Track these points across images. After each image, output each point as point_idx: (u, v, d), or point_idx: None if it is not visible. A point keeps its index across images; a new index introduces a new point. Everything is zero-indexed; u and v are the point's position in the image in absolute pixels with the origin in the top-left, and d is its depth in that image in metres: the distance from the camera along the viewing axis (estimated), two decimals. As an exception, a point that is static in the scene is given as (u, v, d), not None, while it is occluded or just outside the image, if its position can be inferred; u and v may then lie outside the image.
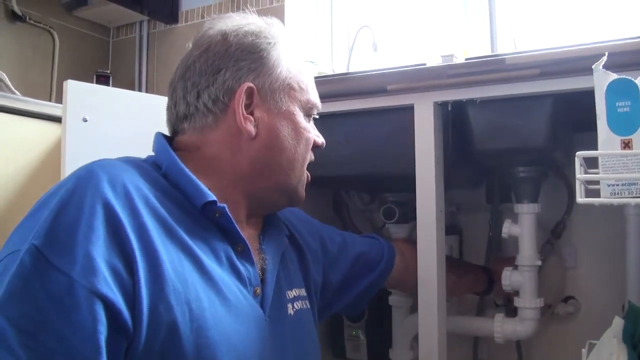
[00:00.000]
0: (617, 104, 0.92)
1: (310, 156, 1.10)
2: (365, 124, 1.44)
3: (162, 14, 2.84)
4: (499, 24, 2.01)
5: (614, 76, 0.94)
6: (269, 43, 1.04)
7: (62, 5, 2.81)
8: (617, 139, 0.92)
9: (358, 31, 2.38)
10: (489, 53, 1.96)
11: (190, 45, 1.07)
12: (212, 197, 0.93)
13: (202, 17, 2.73)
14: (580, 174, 0.94)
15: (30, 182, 1.70)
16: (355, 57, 2.39)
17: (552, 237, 1.71)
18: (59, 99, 1.48)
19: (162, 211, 0.87)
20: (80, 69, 2.82)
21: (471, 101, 1.30)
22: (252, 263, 0.98)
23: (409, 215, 1.56)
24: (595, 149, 0.94)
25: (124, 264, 0.77)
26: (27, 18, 2.60)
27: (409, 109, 1.34)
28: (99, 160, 0.90)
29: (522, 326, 1.47)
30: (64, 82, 1.38)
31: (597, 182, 0.95)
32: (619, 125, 0.92)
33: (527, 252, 1.48)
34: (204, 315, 0.84)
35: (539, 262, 1.48)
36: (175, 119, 1.04)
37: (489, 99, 1.28)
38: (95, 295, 0.73)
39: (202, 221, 0.93)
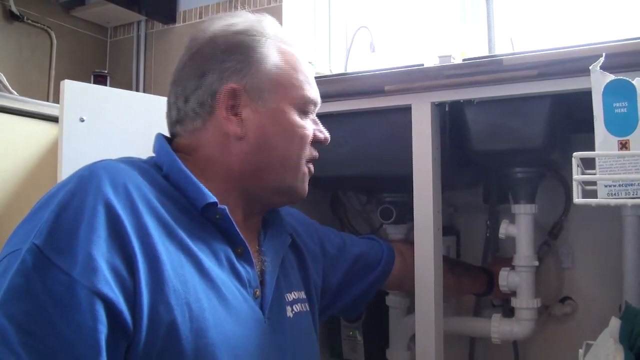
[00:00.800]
0: (614, 104, 0.93)
1: (311, 152, 1.08)
2: (362, 124, 1.44)
3: (160, 14, 2.84)
4: (496, 24, 2.01)
5: (611, 77, 0.94)
6: (257, 40, 1.03)
7: (60, 5, 2.81)
8: (615, 140, 0.92)
9: (356, 31, 2.38)
10: (487, 54, 1.95)
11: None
12: (213, 198, 0.93)
13: (200, 17, 2.73)
14: (577, 175, 0.94)
15: (27, 182, 1.70)
16: (353, 58, 2.39)
17: (549, 237, 1.71)
18: (57, 99, 1.48)
19: (163, 212, 0.87)
20: (78, 68, 2.82)
21: (469, 102, 1.31)
22: (251, 265, 0.98)
23: (406, 215, 1.56)
24: (593, 149, 0.94)
25: (124, 264, 0.78)
26: (25, 18, 2.60)
27: (407, 110, 1.34)
28: (100, 161, 0.90)
29: (519, 327, 1.47)
30: (61, 82, 1.38)
31: (594, 183, 0.96)
32: (616, 126, 0.92)
33: (524, 253, 1.48)
34: (203, 316, 0.84)
35: (536, 263, 1.48)
36: (170, 123, 1.05)
37: (486, 99, 1.28)
38: (96, 295, 0.73)
39: (203, 222, 0.93)
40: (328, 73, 2.25)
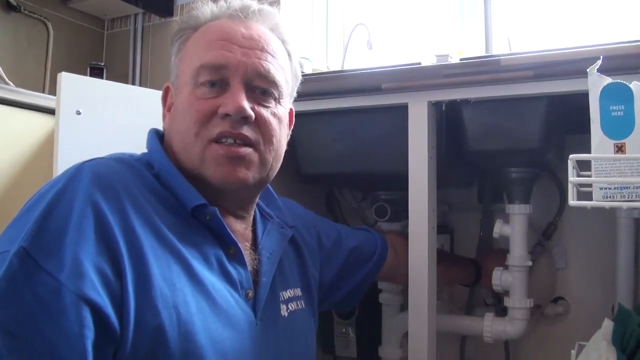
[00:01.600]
0: (611, 107, 0.93)
1: (213, 127, 0.94)
2: (359, 122, 1.44)
3: (157, 7, 2.83)
4: (494, 24, 2.01)
5: (608, 80, 0.94)
6: (180, 34, 1.05)
7: (57, -4, 2.80)
8: (611, 143, 0.93)
9: (353, 29, 2.38)
10: (484, 53, 1.96)
11: None
12: (201, 200, 0.92)
13: (197, 10, 2.72)
14: (572, 177, 0.94)
15: (22, 174, 1.70)
16: (350, 55, 2.38)
17: (543, 238, 1.72)
18: (53, 91, 1.48)
19: (152, 214, 0.87)
20: (75, 60, 2.81)
21: (465, 101, 1.31)
22: (244, 266, 0.97)
23: (400, 213, 1.56)
24: (588, 150, 0.95)
25: (112, 267, 0.77)
26: (22, 8, 2.59)
27: (403, 108, 1.34)
28: (91, 160, 0.89)
29: (512, 326, 1.48)
30: (58, 75, 1.38)
31: (589, 185, 0.96)
32: (613, 129, 0.93)
33: (518, 253, 1.48)
34: (192, 320, 0.83)
35: (530, 263, 1.48)
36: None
37: (483, 99, 1.28)
38: (83, 299, 0.72)
39: (194, 224, 0.92)
40: (325, 70, 2.25)
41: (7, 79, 2.05)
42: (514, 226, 1.49)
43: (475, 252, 1.77)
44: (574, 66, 1.15)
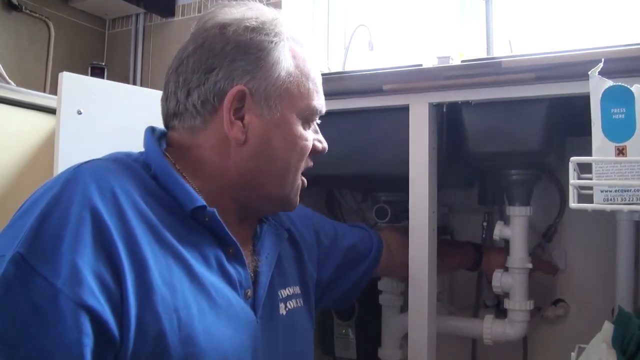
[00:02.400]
0: (612, 110, 0.93)
1: (307, 163, 1.06)
2: (360, 123, 1.44)
3: (159, 7, 2.83)
4: (495, 26, 2.01)
5: (609, 83, 0.94)
6: (270, 42, 0.96)
7: (59, -4, 2.80)
8: (612, 146, 0.93)
9: (355, 30, 2.38)
10: (485, 55, 1.96)
11: (189, 36, 1.02)
12: (201, 201, 0.91)
13: (199, 11, 2.72)
14: (573, 180, 0.94)
15: (23, 174, 1.70)
16: (351, 56, 2.38)
17: (543, 240, 1.72)
18: (54, 90, 1.48)
19: (151, 216, 0.86)
20: (76, 60, 2.81)
21: (466, 103, 1.31)
22: (243, 265, 0.96)
23: (401, 215, 1.56)
24: (588, 153, 0.95)
25: (111, 273, 0.76)
26: (24, 7, 2.59)
27: (404, 110, 1.34)
28: (87, 162, 0.88)
29: (512, 328, 1.48)
30: (59, 74, 1.38)
31: (590, 188, 0.96)
32: (614, 131, 0.93)
33: (518, 255, 1.48)
34: (192, 323, 0.83)
35: (530, 265, 1.48)
36: (167, 114, 1.01)
37: (484, 101, 1.28)
38: (81, 306, 0.71)
39: (192, 225, 0.91)
40: (326, 71, 2.24)
41: (8, 78, 2.05)
42: (514, 228, 1.49)
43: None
44: (575, 69, 1.15)
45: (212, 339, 0.85)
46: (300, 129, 1.01)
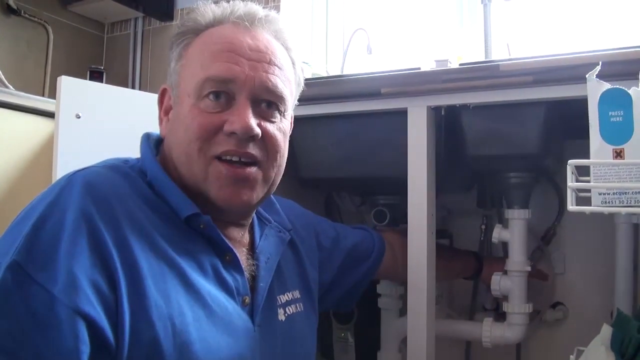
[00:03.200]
0: (610, 113, 0.93)
1: (217, 144, 0.92)
2: (358, 126, 1.44)
3: (158, 11, 2.83)
4: (493, 30, 2.01)
5: (607, 86, 0.94)
6: (180, 37, 1.00)
7: (58, 0, 2.80)
8: (609, 148, 0.93)
9: (353, 33, 2.38)
10: (483, 58, 1.96)
11: None
12: (194, 209, 0.91)
13: (198, 15, 2.72)
14: (571, 182, 0.94)
15: (21, 177, 1.70)
16: (349, 60, 2.39)
17: (542, 243, 1.72)
18: (53, 94, 1.48)
19: (146, 224, 0.86)
20: (74, 64, 2.82)
21: (464, 106, 1.31)
22: (240, 272, 0.96)
23: (399, 218, 1.56)
24: (587, 156, 0.95)
25: (106, 280, 0.76)
26: (22, 12, 2.59)
27: (403, 113, 1.34)
28: (83, 169, 0.88)
29: (511, 331, 1.48)
30: (58, 78, 1.38)
31: (588, 190, 0.96)
32: (612, 134, 0.93)
33: (517, 258, 1.48)
34: (187, 331, 0.83)
35: (529, 268, 1.48)
36: None
37: (482, 104, 1.28)
38: (78, 313, 0.72)
39: (188, 232, 0.91)
40: (325, 74, 2.25)
41: (7, 83, 2.05)
42: (513, 231, 1.49)
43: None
44: (573, 72, 1.15)
45: (208, 347, 0.85)
46: (192, 106, 0.94)
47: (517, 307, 1.47)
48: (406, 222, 1.34)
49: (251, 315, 0.97)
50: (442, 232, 1.77)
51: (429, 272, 1.31)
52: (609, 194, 0.93)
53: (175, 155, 0.95)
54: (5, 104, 1.70)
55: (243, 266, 0.98)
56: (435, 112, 1.35)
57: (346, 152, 1.44)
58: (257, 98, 0.94)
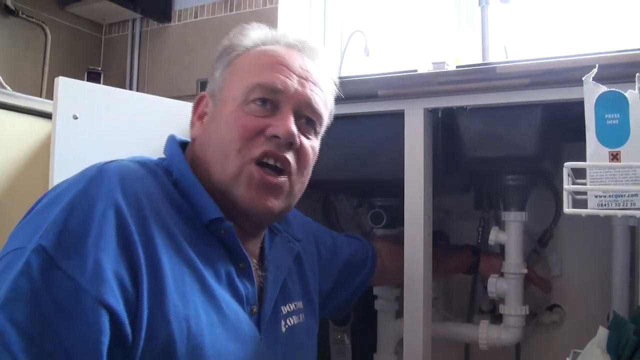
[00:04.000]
0: (606, 116, 0.93)
1: (257, 147, 0.94)
2: (355, 128, 1.44)
3: (156, 12, 2.83)
4: (491, 32, 2.01)
5: (603, 88, 0.95)
6: (227, 50, 1.05)
7: (55, 1, 2.80)
8: (606, 151, 0.93)
9: (351, 35, 2.38)
10: (481, 61, 1.96)
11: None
12: (219, 213, 0.91)
13: (196, 16, 2.73)
14: (567, 185, 0.95)
15: (19, 178, 1.69)
16: (347, 62, 2.39)
17: (538, 245, 1.72)
18: (50, 95, 1.48)
19: (170, 223, 0.86)
20: (72, 64, 2.81)
21: (461, 109, 1.31)
22: (252, 281, 0.97)
23: (396, 220, 1.56)
24: (584, 159, 0.95)
25: (130, 275, 0.76)
26: (20, 12, 2.59)
27: (400, 115, 1.34)
28: (112, 161, 0.88)
29: (507, 333, 1.48)
30: (55, 79, 1.38)
31: (584, 193, 0.96)
32: (608, 137, 0.93)
33: (514, 260, 1.48)
34: (201, 334, 0.83)
35: (525, 270, 1.48)
36: None
37: (479, 106, 1.29)
38: (102, 305, 0.72)
39: (207, 235, 0.92)
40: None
41: (4, 83, 2.05)
42: (509, 233, 1.49)
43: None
44: (569, 74, 1.15)
45: (219, 352, 0.85)
46: (234, 108, 0.97)
47: (514, 310, 1.47)
48: (403, 224, 1.34)
49: (258, 325, 0.97)
50: (440, 234, 1.77)
51: (425, 274, 1.32)
52: (605, 196, 0.94)
53: (209, 153, 0.97)
54: (3, 105, 1.69)
55: (254, 276, 0.98)
56: (432, 114, 1.35)
57: (343, 154, 1.45)
58: (299, 112, 0.99)
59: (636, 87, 0.95)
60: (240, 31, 1.06)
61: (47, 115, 1.65)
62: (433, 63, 1.38)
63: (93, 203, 0.78)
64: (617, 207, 0.93)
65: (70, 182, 0.83)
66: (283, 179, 0.97)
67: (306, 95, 0.99)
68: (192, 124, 1.04)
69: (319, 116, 1.02)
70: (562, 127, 1.36)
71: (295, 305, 1.10)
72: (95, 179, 0.82)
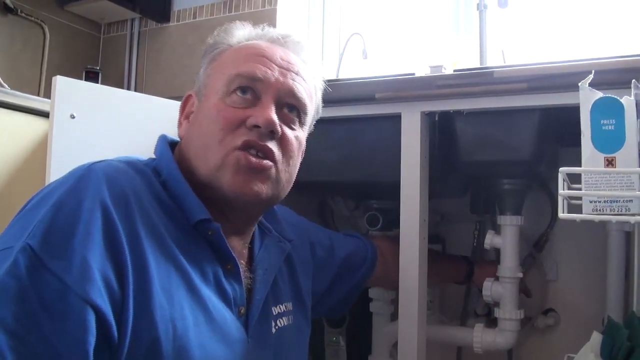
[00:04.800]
0: (602, 121, 0.94)
1: (238, 136, 0.94)
2: (352, 131, 1.44)
3: (154, 13, 2.83)
4: (488, 37, 2.02)
5: (599, 94, 0.95)
6: (210, 49, 1.06)
7: (55, 0, 2.80)
8: (601, 157, 0.93)
9: (349, 38, 2.39)
10: (478, 65, 1.96)
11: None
12: (206, 215, 0.91)
13: (194, 17, 2.73)
14: (563, 190, 0.95)
15: (16, 176, 1.69)
16: (345, 64, 2.39)
17: (534, 249, 1.72)
18: (48, 94, 1.47)
19: (157, 223, 0.86)
20: (70, 64, 2.81)
21: (458, 112, 1.31)
22: (239, 282, 0.97)
23: (392, 223, 1.56)
24: (580, 164, 0.95)
25: (116, 275, 0.76)
26: (19, 11, 2.59)
27: (397, 118, 1.35)
28: (100, 161, 0.88)
29: (502, 337, 1.48)
30: (53, 78, 1.38)
31: (579, 198, 0.96)
32: (603, 143, 0.93)
33: (509, 264, 1.49)
34: (187, 335, 0.83)
35: (520, 274, 1.49)
36: None
37: (476, 110, 1.29)
38: (89, 304, 0.72)
39: (194, 236, 0.92)
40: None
41: (2, 81, 2.05)
42: (505, 237, 1.50)
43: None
44: (566, 80, 1.16)
45: (205, 353, 0.85)
46: (218, 100, 0.97)
47: (509, 313, 1.47)
48: (399, 227, 1.34)
49: (245, 326, 0.97)
50: (435, 237, 1.78)
51: (420, 277, 1.32)
52: (600, 201, 0.94)
53: (192, 148, 0.97)
54: (0, 103, 1.69)
55: (242, 277, 0.98)
56: (429, 118, 1.35)
57: (340, 156, 1.45)
58: (281, 102, 0.98)
59: (632, 93, 0.95)
60: (225, 29, 1.06)
61: (45, 114, 1.65)
62: (431, 66, 1.38)
63: (80, 202, 0.78)
64: (612, 212, 0.93)
65: (59, 182, 0.83)
66: (269, 163, 0.95)
67: (287, 84, 0.98)
68: (180, 123, 1.05)
69: (302, 104, 1.01)
70: (559, 132, 1.37)
71: (285, 306, 1.10)
72: (82, 179, 0.82)
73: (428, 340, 1.38)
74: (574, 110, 0.99)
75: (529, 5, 2.12)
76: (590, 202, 0.95)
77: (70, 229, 0.75)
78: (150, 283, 0.80)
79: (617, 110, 0.93)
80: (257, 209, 1.03)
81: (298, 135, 1.01)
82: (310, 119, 1.07)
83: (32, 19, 2.67)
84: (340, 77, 2.30)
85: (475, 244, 1.75)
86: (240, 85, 0.96)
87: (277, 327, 1.06)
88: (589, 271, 1.66)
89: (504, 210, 1.50)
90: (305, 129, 1.06)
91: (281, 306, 1.09)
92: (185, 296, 0.85)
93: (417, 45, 2.33)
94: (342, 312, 1.40)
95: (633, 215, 0.92)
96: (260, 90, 0.96)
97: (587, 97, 0.95)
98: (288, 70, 1.00)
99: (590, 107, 0.95)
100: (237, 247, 1.02)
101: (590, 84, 0.96)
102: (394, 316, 1.58)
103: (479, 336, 1.50)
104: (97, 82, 2.63)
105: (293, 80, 0.99)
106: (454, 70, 1.34)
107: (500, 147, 1.30)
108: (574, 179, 0.99)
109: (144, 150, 1.02)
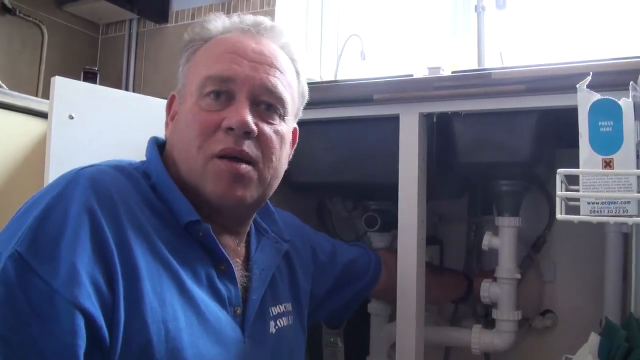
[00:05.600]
0: (599, 123, 0.94)
1: (216, 142, 0.93)
2: (350, 132, 1.44)
3: (153, 13, 2.83)
4: (486, 38, 2.02)
5: (597, 96, 0.95)
6: (187, 46, 1.04)
7: (53, 0, 2.80)
8: (599, 158, 0.93)
9: (347, 39, 2.39)
10: (476, 67, 1.97)
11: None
12: (195, 216, 0.91)
13: (193, 17, 2.73)
14: (560, 191, 0.95)
15: (14, 177, 1.69)
16: (343, 65, 2.39)
17: (532, 251, 1.72)
18: (46, 94, 1.48)
19: (147, 226, 0.86)
20: (68, 64, 2.81)
21: (456, 114, 1.31)
22: (234, 282, 0.96)
23: (390, 224, 1.56)
24: (578, 165, 0.95)
25: (105, 278, 0.76)
26: (17, 11, 2.59)
27: (395, 119, 1.35)
28: (89, 166, 0.88)
29: (499, 338, 1.48)
30: (51, 79, 1.38)
31: (577, 199, 0.96)
32: (601, 144, 0.93)
33: (507, 265, 1.49)
34: (180, 336, 0.83)
35: (518, 276, 1.49)
36: None
37: (474, 112, 1.29)
38: (77, 308, 0.72)
39: (186, 238, 0.92)
40: (318, 80, 2.25)
41: (0, 82, 2.04)
42: (503, 238, 1.50)
43: (464, 263, 1.77)
44: (564, 81, 1.16)
45: (198, 353, 0.85)
46: (193, 105, 0.96)
47: (506, 315, 1.48)
48: (397, 228, 1.34)
49: (242, 326, 0.97)
50: (433, 239, 1.78)
51: (418, 279, 1.32)
52: (597, 203, 0.94)
53: (176, 153, 0.97)
54: (-1, 103, 1.69)
55: (237, 277, 0.98)
56: (427, 119, 1.35)
57: (338, 157, 1.45)
58: (256, 99, 0.96)
59: (630, 95, 0.95)
60: (201, 24, 1.05)
61: (43, 115, 1.65)
62: (429, 68, 1.39)
63: (67, 207, 0.78)
64: (610, 214, 0.93)
65: (48, 188, 0.84)
66: (247, 167, 0.94)
67: (260, 79, 0.96)
68: (166, 124, 1.05)
69: (278, 98, 0.98)
70: (557, 133, 1.37)
71: (284, 307, 1.10)
72: (70, 184, 0.82)
73: (426, 342, 1.38)
74: (572, 111, 0.99)
75: (527, 6, 2.13)
76: (588, 203, 0.95)
77: (58, 234, 0.75)
78: (140, 285, 0.80)
79: (615, 111, 0.93)
80: (245, 211, 1.03)
81: (279, 129, 0.99)
82: (293, 108, 1.04)
83: (31, 19, 2.67)
84: (338, 78, 2.30)
85: (472, 245, 1.75)
86: (212, 90, 0.95)
87: (276, 327, 1.05)
88: (587, 272, 1.66)
89: (502, 212, 1.50)
90: (289, 119, 1.03)
91: (280, 306, 1.09)
92: (177, 298, 0.85)
93: (415, 47, 2.33)
94: (342, 318, 1.40)
95: (631, 216, 0.92)
96: (233, 90, 0.95)
97: (585, 99, 0.95)
98: (260, 63, 0.97)
99: (588, 108, 0.95)
100: (231, 245, 1.02)
101: (588, 86, 0.96)
102: (392, 317, 1.58)
103: (477, 337, 1.50)
104: (96, 83, 2.62)
105: (267, 73, 0.97)
106: (452, 72, 1.34)
107: (498, 148, 1.31)
108: (572, 180, 0.99)
109: (143, 150, 1.02)
